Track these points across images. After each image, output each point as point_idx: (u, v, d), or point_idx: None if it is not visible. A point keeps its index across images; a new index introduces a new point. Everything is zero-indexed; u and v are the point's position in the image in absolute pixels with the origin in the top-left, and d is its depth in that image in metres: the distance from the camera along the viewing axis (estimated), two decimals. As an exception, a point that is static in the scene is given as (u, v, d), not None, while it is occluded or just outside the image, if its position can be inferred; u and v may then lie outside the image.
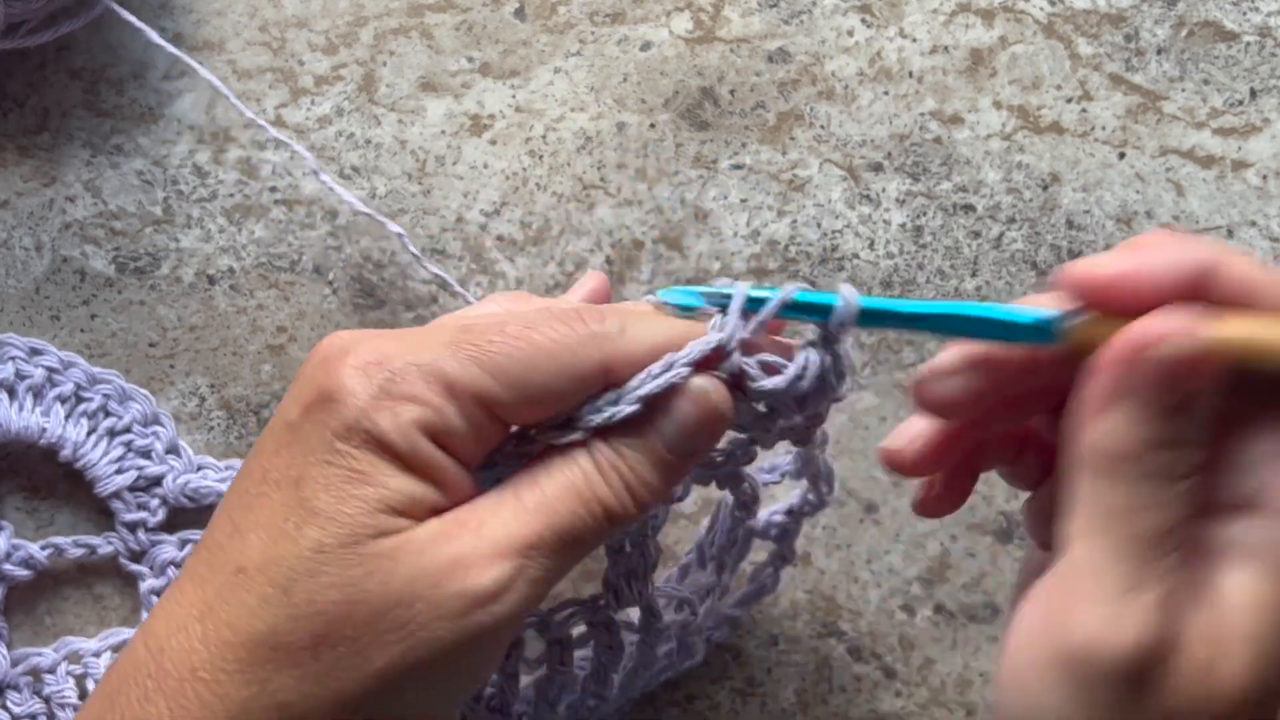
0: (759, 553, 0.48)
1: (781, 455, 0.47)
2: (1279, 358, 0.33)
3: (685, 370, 0.36)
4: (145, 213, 0.52)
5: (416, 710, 0.36)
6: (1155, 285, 0.34)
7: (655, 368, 0.36)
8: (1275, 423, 0.34)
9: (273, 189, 0.52)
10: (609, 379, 0.36)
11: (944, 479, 0.40)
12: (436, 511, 0.35)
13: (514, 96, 0.52)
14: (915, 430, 0.39)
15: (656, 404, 0.36)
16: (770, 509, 0.47)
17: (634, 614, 0.42)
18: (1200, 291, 0.33)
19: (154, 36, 0.51)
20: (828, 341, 0.37)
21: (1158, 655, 0.32)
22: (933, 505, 0.41)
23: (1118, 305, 0.34)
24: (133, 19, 0.51)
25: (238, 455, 0.51)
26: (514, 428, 0.37)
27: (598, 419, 0.36)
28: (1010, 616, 0.36)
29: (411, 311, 0.51)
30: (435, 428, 0.35)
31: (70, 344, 0.51)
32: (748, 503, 0.43)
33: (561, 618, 0.41)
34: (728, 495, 0.44)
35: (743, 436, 0.40)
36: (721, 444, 0.39)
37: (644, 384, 0.36)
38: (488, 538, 0.35)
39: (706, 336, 0.36)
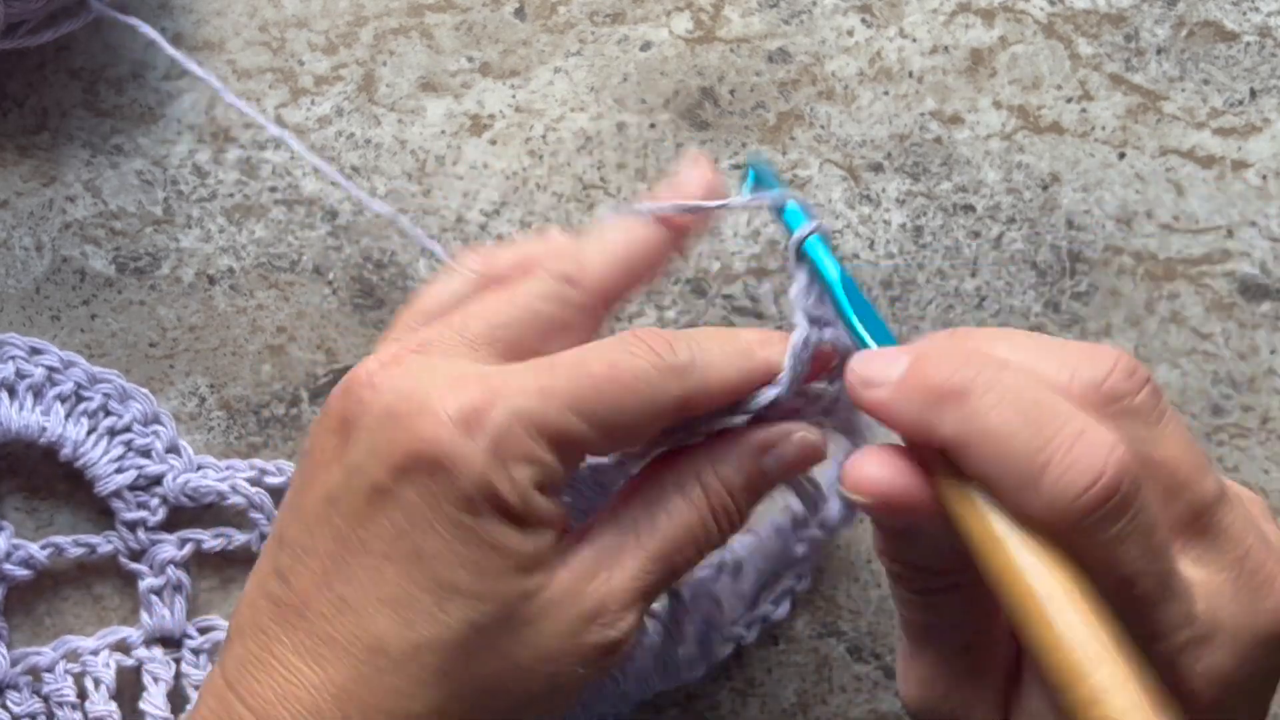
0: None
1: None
2: (982, 567, 0.32)
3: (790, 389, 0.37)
4: (145, 213, 0.52)
5: None
6: (902, 429, 0.34)
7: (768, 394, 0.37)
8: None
9: (273, 189, 0.52)
10: (684, 412, 0.37)
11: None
12: (550, 552, 0.36)
13: (514, 96, 0.52)
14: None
15: (763, 440, 0.38)
16: (789, 527, 0.47)
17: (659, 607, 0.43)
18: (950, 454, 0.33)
19: (155, 36, 0.51)
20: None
21: None
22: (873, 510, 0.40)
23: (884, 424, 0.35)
24: (130, 19, 0.51)
25: (238, 455, 0.51)
26: None
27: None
28: None
29: (411, 311, 0.51)
30: (545, 483, 0.35)
31: (70, 344, 0.51)
32: (815, 504, 0.43)
33: None
34: (781, 512, 0.44)
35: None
36: None
37: (759, 405, 0.38)
38: (618, 587, 0.36)
39: (772, 386, 0.38)
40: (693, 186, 0.41)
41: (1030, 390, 0.32)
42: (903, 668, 0.39)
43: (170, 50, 0.50)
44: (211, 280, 0.52)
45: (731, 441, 0.38)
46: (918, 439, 0.33)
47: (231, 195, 0.52)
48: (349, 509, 0.35)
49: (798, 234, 0.39)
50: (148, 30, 0.51)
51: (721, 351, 0.38)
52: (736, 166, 0.52)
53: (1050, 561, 0.30)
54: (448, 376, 0.35)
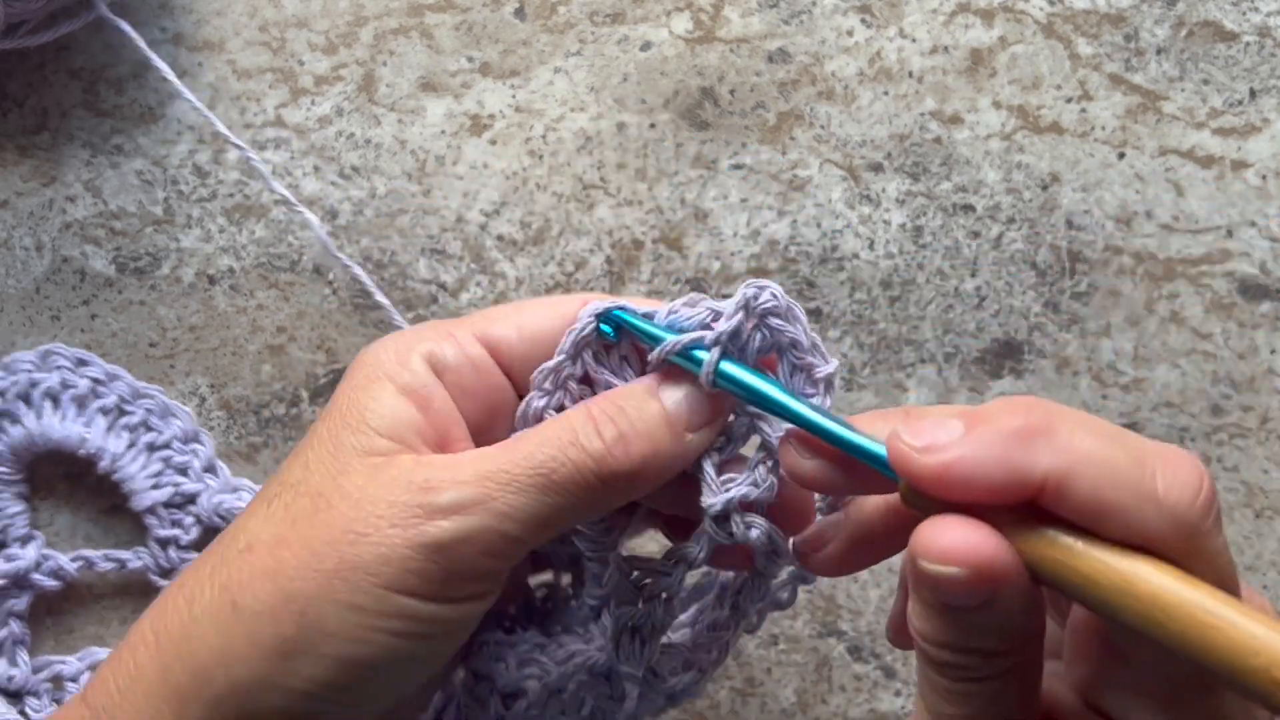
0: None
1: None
2: (1091, 602, 0.31)
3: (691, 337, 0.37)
4: (145, 213, 0.52)
5: (348, 633, 0.34)
6: (979, 485, 0.31)
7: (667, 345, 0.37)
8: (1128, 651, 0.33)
9: (273, 189, 0.52)
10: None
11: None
12: (425, 438, 0.37)
13: (514, 96, 0.52)
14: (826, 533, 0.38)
15: (667, 375, 0.37)
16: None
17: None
18: (1041, 497, 0.31)
19: (141, 45, 0.50)
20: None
21: None
22: (821, 563, 0.38)
23: (942, 497, 0.31)
24: (124, 24, 0.51)
25: (238, 455, 0.51)
26: None
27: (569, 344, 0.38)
28: None
29: (411, 311, 0.51)
30: (432, 355, 0.38)
31: (70, 344, 0.51)
32: (770, 555, 0.42)
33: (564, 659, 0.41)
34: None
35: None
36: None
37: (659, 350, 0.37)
38: (462, 467, 0.35)
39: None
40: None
41: (1098, 420, 0.31)
42: None
43: (150, 53, 0.50)
44: (212, 280, 0.52)
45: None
46: (1005, 485, 0.30)
47: (231, 195, 0.52)
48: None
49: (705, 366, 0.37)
50: (132, 33, 0.50)
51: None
52: (737, 167, 0.52)
53: (1171, 572, 0.30)
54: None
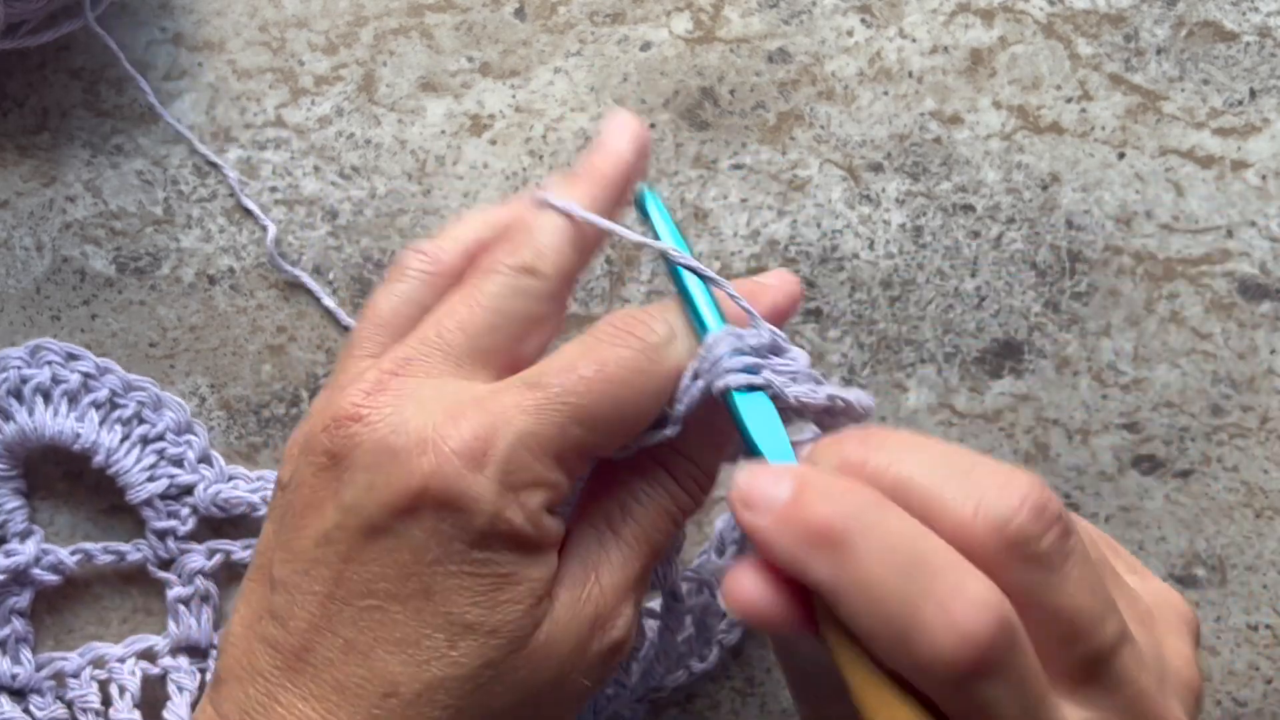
0: None
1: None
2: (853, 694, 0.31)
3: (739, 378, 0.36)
4: (145, 213, 0.52)
5: None
6: (777, 561, 0.31)
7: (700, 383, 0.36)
8: None
9: (273, 189, 0.52)
10: (676, 382, 0.36)
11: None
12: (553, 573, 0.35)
13: (514, 96, 0.52)
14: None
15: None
16: None
17: (654, 602, 0.42)
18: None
19: (122, 59, 0.50)
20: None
21: None
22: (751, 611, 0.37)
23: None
24: (108, 38, 0.51)
25: (238, 455, 0.51)
26: None
27: (654, 438, 0.36)
28: None
29: (411, 311, 0.51)
30: (555, 502, 0.35)
31: (70, 344, 0.51)
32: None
33: None
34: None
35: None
36: None
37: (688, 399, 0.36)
38: (609, 587, 0.35)
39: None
40: (622, 146, 0.40)
41: (911, 539, 0.30)
42: None
43: (129, 67, 0.50)
44: (212, 280, 0.52)
45: None
46: (793, 576, 0.31)
47: (231, 195, 0.52)
48: (347, 550, 0.34)
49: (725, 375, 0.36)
50: (117, 51, 0.50)
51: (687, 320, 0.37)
52: (737, 167, 0.52)
53: (918, 711, 0.30)
54: (441, 404, 0.34)
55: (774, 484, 0.31)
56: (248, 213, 0.52)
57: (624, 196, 0.40)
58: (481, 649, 0.33)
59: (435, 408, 0.34)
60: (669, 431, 0.36)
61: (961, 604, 0.29)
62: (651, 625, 0.43)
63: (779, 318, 0.39)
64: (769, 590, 0.31)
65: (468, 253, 0.39)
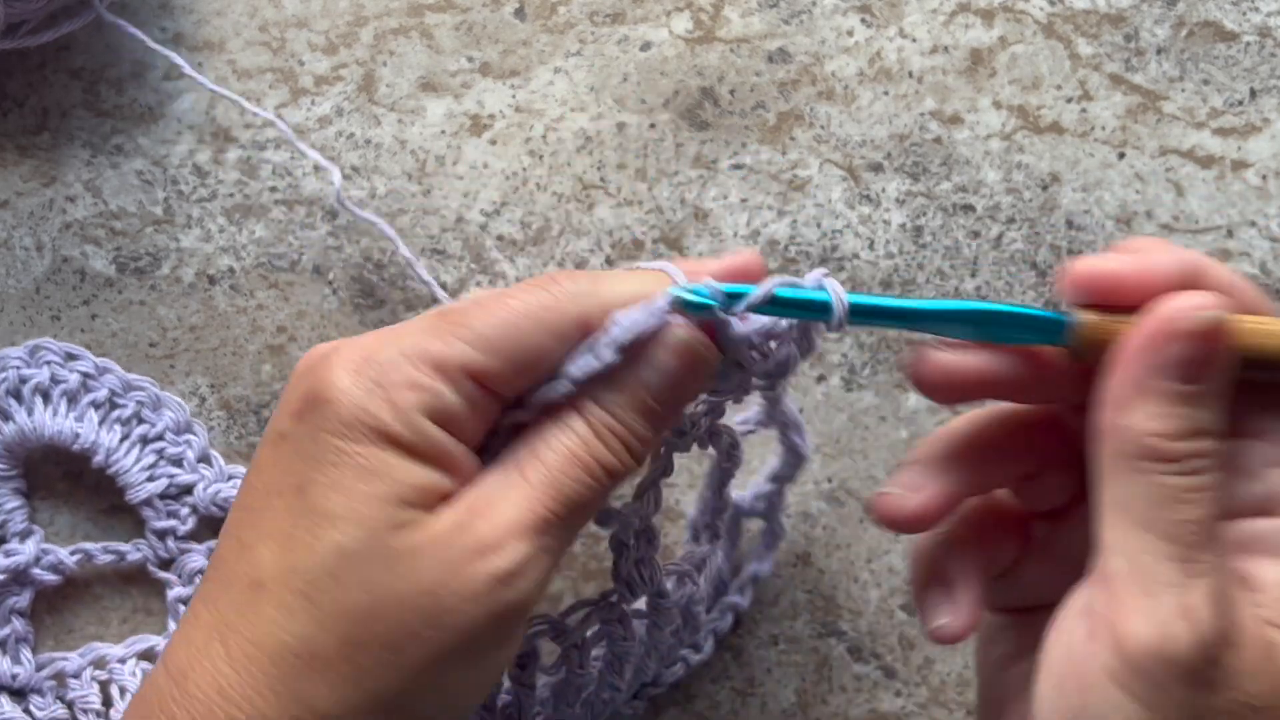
0: (751, 538, 0.49)
1: (750, 409, 0.47)
2: (1274, 352, 0.34)
3: (661, 313, 0.36)
4: (145, 213, 0.52)
5: (448, 702, 0.36)
6: (1159, 282, 0.34)
7: (632, 313, 0.36)
8: (1275, 429, 0.35)
9: (273, 189, 0.52)
10: (587, 334, 0.36)
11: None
12: (446, 497, 0.35)
13: (514, 96, 0.52)
14: (917, 479, 0.37)
15: (638, 354, 0.36)
16: (753, 486, 0.48)
17: (639, 603, 0.42)
18: (1194, 289, 0.34)
19: (147, 40, 0.51)
20: (804, 331, 0.37)
21: (1219, 649, 0.32)
22: (906, 521, 0.38)
23: (1125, 300, 0.34)
24: (126, 24, 0.51)
25: (238, 455, 0.51)
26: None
27: (579, 371, 0.36)
28: (997, 650, 0.38)
29: (411, 311, 0.51)
30: (434, 410, 0.35)
31: (70, 344, 0.51)
32: (731, 452, 0.43)
33: (576, 620, 0.41)
34: (710, 462, 0.45)
35: (714, 397, 0.39)
36: (694, 406, 0.39)
37: (622, 332, 0.36)
38: (503, 520, 0.35)
39: (676, 285, 0.36)
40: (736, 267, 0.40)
41: None
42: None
43: (159, 47, 0.50)
44: (212, 280, 0.52)
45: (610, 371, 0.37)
46: (1173, 275, 0.34)
47: (231, 195, 0.52)
48: (265, 459, 0.36)
49: (834, 315, 0.37)
50: (133, 30, 0.50)
51: (625, 282, 0.37)
52: (737, 167, 0.52)
53: None
54: (368, 337, 0.36)
55: (1099, 259, 0.35)
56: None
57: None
58: (336, 535, 0.34)
59: (357, 339, 0.36)
60: (606, 356, 0.36)
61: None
62: (639, 625, 0.43)
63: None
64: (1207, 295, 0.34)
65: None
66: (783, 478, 0.47)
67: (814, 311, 0.36)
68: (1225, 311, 0.33)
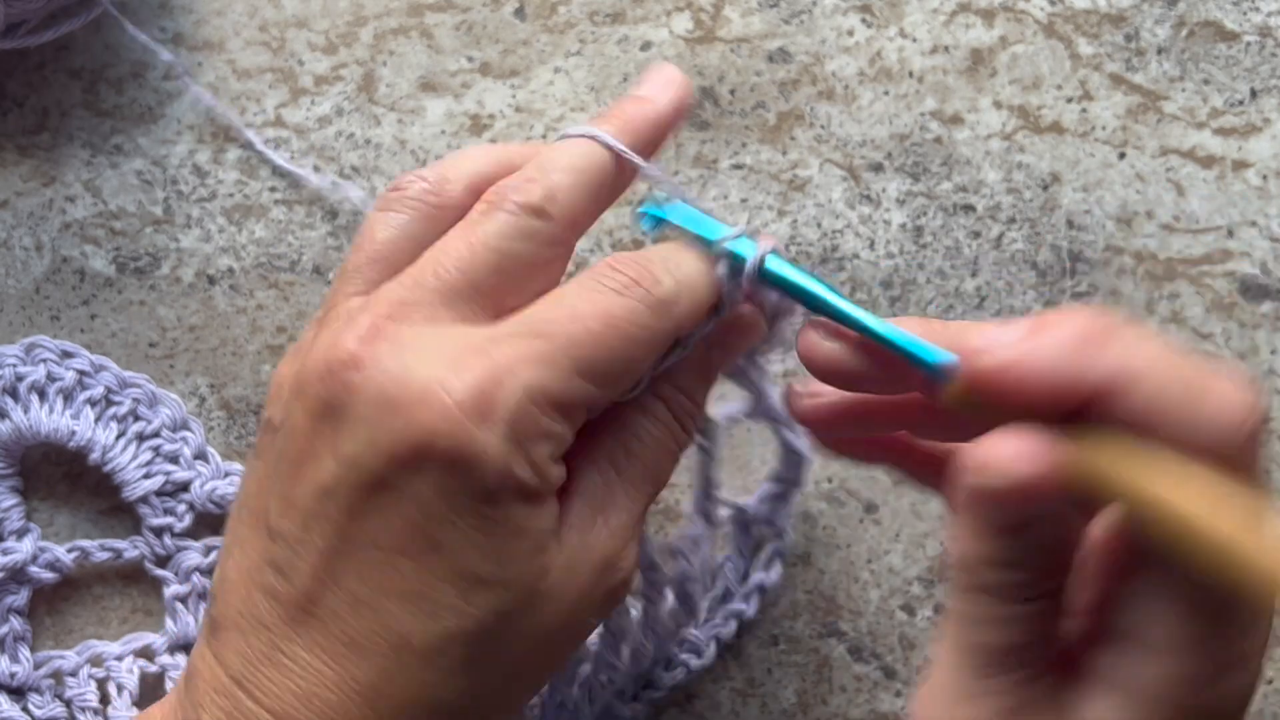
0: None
1: (733, 404, 0.47)
2: (1135, 505, 0.31)
3: (731, 292, 0.37)
4: (145, 213, 0.52)
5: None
6: (1042, 385, 0.31)
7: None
8: (1159, 558, 0.32)
9: (273, 189, 0.52)
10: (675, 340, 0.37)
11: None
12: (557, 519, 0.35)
13: (514, 96, 0.52)
14: (827, 390, 0.38)
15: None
16: (757, 493, 0.48)
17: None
18: (1098, 400, 0.30)
19: (149, 42, 0.51)
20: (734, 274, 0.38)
21: None
22: (808, 409, 0.39)
23: (999, 397, 0.31)
24: (128, 24, 0.51)
25: (237, 455, 0.51)
26: None
27: (669, 361, 0.37)
28: None
29: (411, 311, 0.51)
30: (559, 454, 0.34)
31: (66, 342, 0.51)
32: (709, 430, 0.43)
33: None
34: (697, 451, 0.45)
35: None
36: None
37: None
38: (617, 525, 0.35)
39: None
40: (659, 96, 0.40)
41: (1154, 334, 0.32)
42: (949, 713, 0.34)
43: (156, 47, 0.50)
44: (211, 280, 0.52)
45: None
46: (1065, 386, 0.30)
47: (231, 195, 0.52)
48: (348, 504, 0.33)
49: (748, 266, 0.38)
50: (134, 31, 0.51)
51: (695, 269, 0.37)
52: (737, 167, 0.52)
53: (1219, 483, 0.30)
54: (443, 353, 0.33)
55: (1000, 331, 0.31)
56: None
57: (653, 149, 0.40)
58: (494, 601, 0.33)
59: (436, 357, 0.33)
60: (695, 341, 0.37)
61: (1235, 380, 0.30)
62: (634, 603, 0.43)
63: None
64: (1026, 445, 0.30)
65: (473, 187, 0.38)
66: (786, 480, 0.47)
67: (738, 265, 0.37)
68: (1042, 467, 0.30)
